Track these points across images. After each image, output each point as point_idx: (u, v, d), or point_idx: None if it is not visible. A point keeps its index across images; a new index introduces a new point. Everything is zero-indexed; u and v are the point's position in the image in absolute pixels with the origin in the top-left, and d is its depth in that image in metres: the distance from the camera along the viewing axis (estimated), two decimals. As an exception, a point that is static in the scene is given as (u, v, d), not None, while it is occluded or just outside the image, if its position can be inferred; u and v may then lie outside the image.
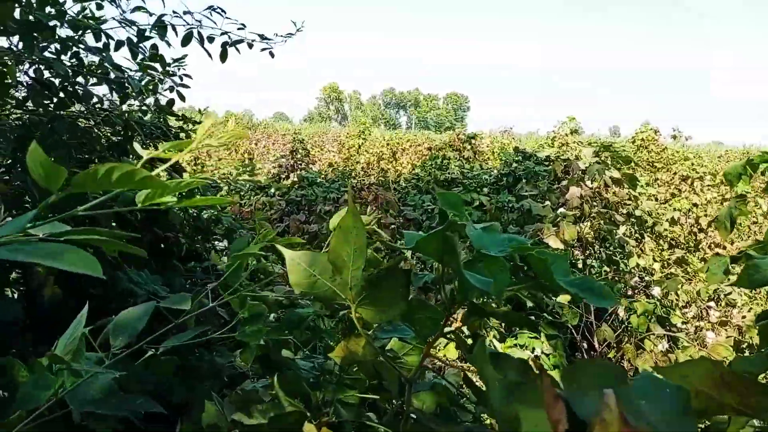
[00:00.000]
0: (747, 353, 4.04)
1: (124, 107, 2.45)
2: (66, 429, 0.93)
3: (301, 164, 7.49)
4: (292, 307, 1.46)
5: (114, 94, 2.24)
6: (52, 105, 2.05)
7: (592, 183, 5.66)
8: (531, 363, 1.20)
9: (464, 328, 1.02)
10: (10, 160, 2.03)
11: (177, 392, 2.04)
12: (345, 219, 0.76)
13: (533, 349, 4.82)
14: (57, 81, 2.05)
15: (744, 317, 4.87)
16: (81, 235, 0.58)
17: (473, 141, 8.62)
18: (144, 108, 2.57)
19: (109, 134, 2.42)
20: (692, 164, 8.93)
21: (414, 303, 0.94)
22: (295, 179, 7.20)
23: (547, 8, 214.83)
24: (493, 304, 0.87)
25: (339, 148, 13.46)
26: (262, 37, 2.53)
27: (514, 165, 6.88)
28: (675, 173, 8.34)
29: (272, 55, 2.61)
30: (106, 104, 2.36)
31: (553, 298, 5.18)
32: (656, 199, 7.65)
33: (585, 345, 5.11)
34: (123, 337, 0.98)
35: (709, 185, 8.10)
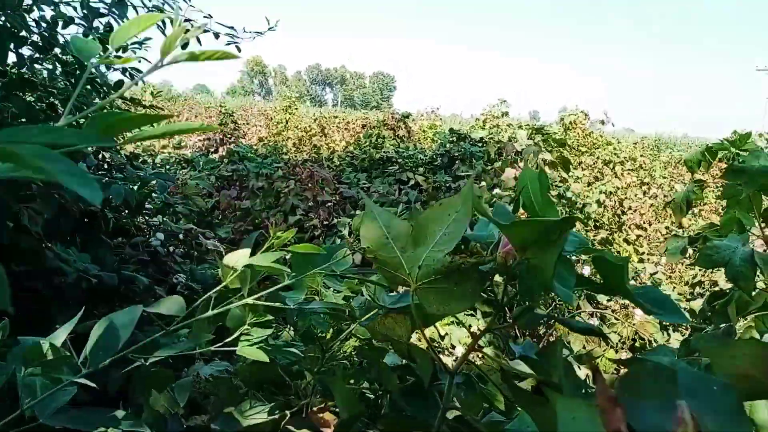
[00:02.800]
0: (671, 330, 4.26)
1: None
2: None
3: (230, 138, 7.17)
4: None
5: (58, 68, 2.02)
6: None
7: (526, 164, 5.77)
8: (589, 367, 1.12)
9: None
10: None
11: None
12: (452, 198, 0.71)
13: (470, 326, 4.89)
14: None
15: (668, 295, 5.14)
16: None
17: (407, 121, 8.59)
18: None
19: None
20: (614, 149, 9.33)
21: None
22: (224, 153, 6.89)
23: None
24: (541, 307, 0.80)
25: (266, 123, 13.05)
26: (231, 30, 2.34)
27: (449, 145, 6.90)
28: (598, 158, 8.68)
29: (239, 49, 2.44)
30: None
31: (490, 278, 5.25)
32: (581, 182, 7.94)
33: (516, 329, 5.23)
34: (104, 352, 0.82)
35: (629, 170, 8.50)
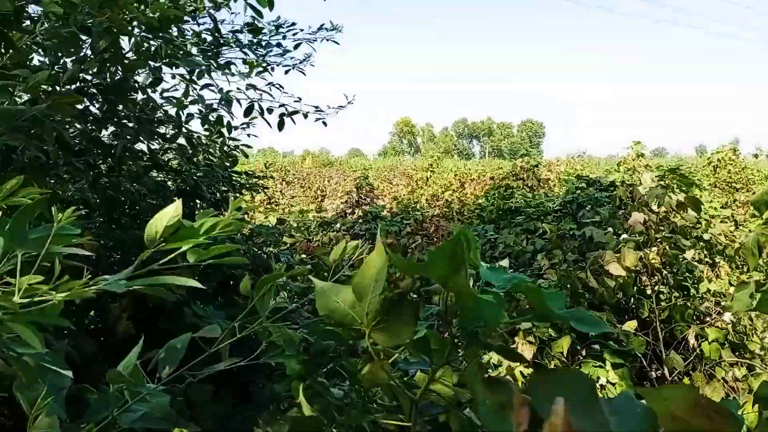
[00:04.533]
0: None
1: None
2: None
3: (366, 199, 7.76)
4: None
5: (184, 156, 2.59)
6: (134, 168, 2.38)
7: (657, 207, 5.54)
8: (506, 374, 1.36)
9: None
10: (101, 219, 2.34)
11: (237, 420, 2.26)
12: (369, 258, 0.91)
13: (598, 378, 4.73)
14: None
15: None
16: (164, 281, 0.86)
17: (536, 170, 8.60)
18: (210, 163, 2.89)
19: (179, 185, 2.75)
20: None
21: (429, 335, 1.10)
22: (360, 214, 7.47)
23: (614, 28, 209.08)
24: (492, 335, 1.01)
25: (407, 181, 13.70)
26: (317, 109, 2.79)
27: (577, 192, 6.83)
28: (754, 193, 7.94)
29: (325, 124, 2.86)
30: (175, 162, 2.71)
31: (618, 326, 5.07)
32: (734, 220, 7.32)
33: (653, 374, 4.96)
34: (168, 366, 1.18)
35: None
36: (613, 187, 6.79)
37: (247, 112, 2.58)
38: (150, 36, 1.91)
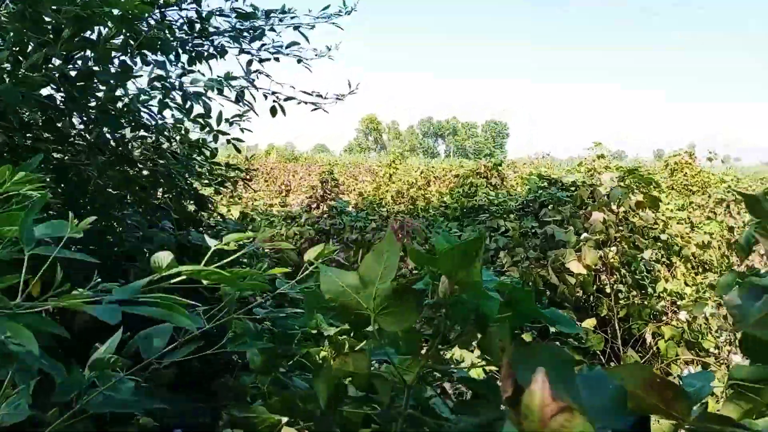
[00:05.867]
0: None
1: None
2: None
3: (331, 194, 7.72)
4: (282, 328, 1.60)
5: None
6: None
7: (617, 207, 5.65)
8: (468, 370, 1.33)
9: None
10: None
11: (202, 413, 2.19)
12: (381, 243, 0.94)
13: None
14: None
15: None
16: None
17: (500, 168, 8.70)
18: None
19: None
20: (728, 186, 8.75)
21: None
22: (325, 209, 7.41)
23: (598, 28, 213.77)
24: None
25: (373, 178, 13.69)
26: (315, 95, 2.69)
27: (539, 191, 6.92)
28: (710, 196, 8.20)
29: (326, 111, 2.77)
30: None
31: (578, 323, 5.16)
32: (690, 222, 7.54)
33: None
34: (152, 351, 1.13)
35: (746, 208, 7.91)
36: (574, 186, 6.91)
37: (238, 99, 2.49)
38: (122, 27, 1.82)
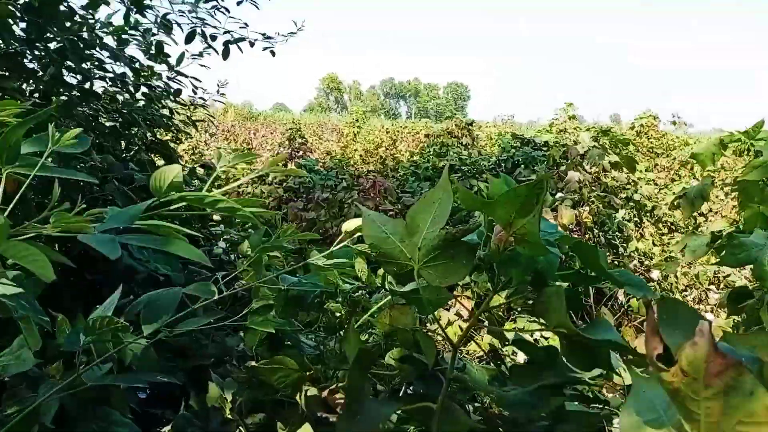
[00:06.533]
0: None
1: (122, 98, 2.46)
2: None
3: (298, 152, 7.46)
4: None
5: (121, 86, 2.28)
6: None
7: (591, 168, 5.64)
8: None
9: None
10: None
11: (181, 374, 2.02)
12: (432, 191, 0.84)
13: (532, 332, 4.82)
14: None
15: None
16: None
17: (471, 128, 8.59)
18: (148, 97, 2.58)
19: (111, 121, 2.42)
20: (691, 149, 8.89)
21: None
22: (293, 167, 7.17)
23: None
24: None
25: (338, 137, 13.42)
26: (265, 36, 2.55)
27: (512, 151, 6.85)
28: (674, 158, 8.31)
29: (273, 53, 2.69)
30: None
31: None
32: (656, 184, 7.63)
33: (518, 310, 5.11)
34: (153, 323, 0.95)
35: (709, 170, 8.07)
36: (546, 147, 6.87)
37: (189, 38, 2.29)
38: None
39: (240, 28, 2.39)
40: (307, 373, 1.13)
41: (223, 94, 3.03)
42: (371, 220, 0.88)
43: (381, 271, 1.28)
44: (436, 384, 1.05)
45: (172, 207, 0.79)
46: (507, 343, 1.08)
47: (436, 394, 1.00)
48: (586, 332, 0.74)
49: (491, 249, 0.88)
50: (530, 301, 0.89)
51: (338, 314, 1.27)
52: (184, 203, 0.78)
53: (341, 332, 1.30)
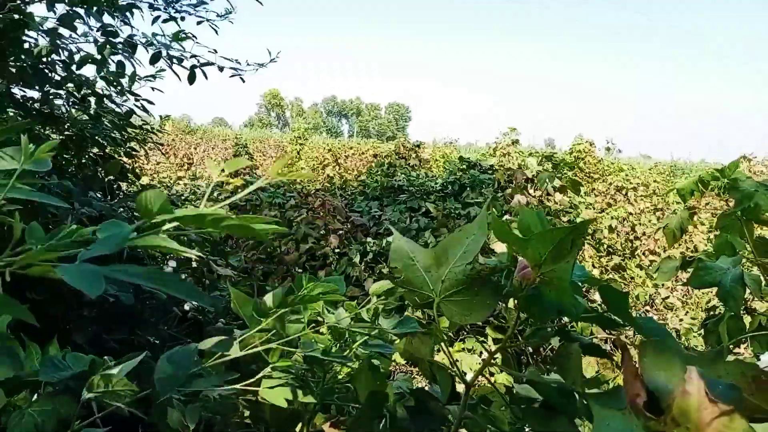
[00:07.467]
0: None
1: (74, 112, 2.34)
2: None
3: (245, 169, 7.31)
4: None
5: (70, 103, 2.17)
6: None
7: (535, 191, 5.80)
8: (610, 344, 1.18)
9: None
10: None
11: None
12: (469, 225, 0.83)
13: (480, 353, 4.87)
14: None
15: (681, 320, 5.08)
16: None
17: (418, 149, 8.68)
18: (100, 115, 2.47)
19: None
20: (626, 175, 9.32)
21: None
22: (239, 184, 7.01)
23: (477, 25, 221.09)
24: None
25: (281, 154, 13.27)
26: (236, 62, 2.47)
27: (459, 173, 6.97)
28: (611, 184, 8.67)
29: (243, 80, 2.60)
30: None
31: (501, 303, 5.24)
32: (593, 208, 7.93)
33: (530, 349, 5.21)
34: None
35: (642, 195, 8.48)
36: (492, 170, 7.02)
37: (154, 59, 2.20)
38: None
39: (209, 52, 2.33)
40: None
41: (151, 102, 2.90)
42: (401, 246, 0.86)
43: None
44: (431, 421, 1.04)
45: (164, 228, 0.72)
46: (522, 381, 1.07)
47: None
48: (595, 401, 0.72)
49: (513, 284, 0.85)
50: (548, 346, 0.88)
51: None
52: (175, 224, 0.72)
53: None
